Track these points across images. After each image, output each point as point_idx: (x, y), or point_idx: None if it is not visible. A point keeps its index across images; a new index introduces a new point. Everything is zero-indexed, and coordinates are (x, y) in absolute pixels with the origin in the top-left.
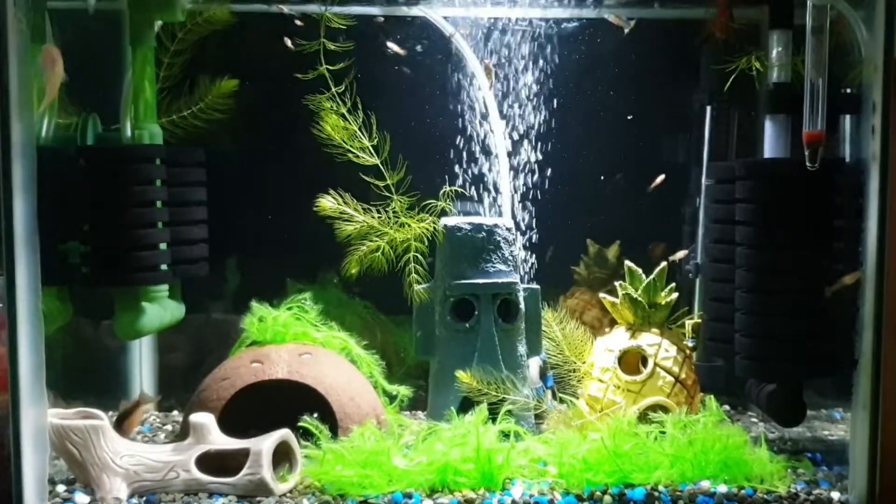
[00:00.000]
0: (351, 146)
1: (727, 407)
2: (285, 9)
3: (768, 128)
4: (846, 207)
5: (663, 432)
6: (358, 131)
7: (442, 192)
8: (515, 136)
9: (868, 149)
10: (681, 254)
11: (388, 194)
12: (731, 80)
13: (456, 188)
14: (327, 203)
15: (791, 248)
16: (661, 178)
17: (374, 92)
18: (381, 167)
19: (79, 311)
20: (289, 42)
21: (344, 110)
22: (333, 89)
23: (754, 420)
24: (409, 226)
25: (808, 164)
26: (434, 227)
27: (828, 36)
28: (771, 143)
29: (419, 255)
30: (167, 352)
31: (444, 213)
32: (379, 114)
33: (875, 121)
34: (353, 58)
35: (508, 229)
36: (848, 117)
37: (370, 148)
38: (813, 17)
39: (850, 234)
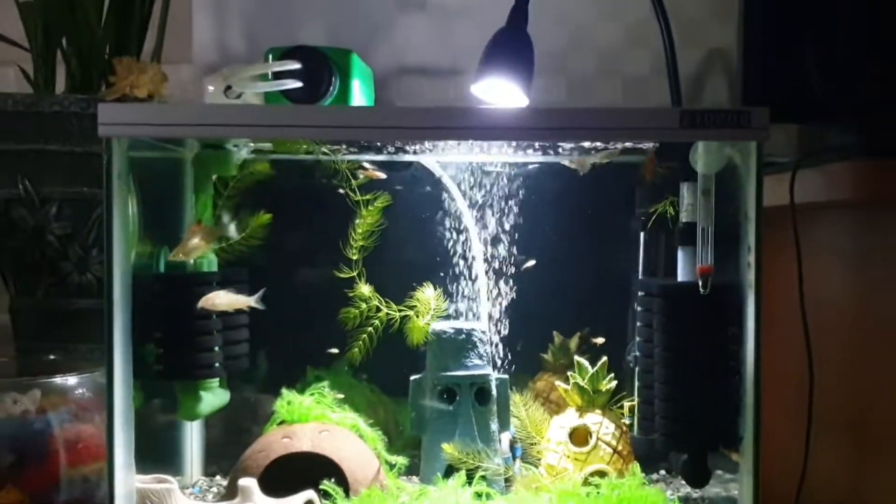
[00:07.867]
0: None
1: (663, 472)
2: None
3: (680, 256)
4: (733, 321)
5: (599, 493)
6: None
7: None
8: (494, 262)
9: (746, 278)
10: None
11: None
12: (652, 218)
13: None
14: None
15: (691, 352)
16: (531, 262)
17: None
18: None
19: (146, 398)
20: None
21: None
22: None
23: (684, 483)
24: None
25: (701, 289)
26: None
27: (713, 196)
28: (682, 269)
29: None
30: (211, 427)
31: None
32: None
33: (750, 258)
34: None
35: (483, 332)
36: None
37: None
38: (702, 183)
39: (736, 342)
